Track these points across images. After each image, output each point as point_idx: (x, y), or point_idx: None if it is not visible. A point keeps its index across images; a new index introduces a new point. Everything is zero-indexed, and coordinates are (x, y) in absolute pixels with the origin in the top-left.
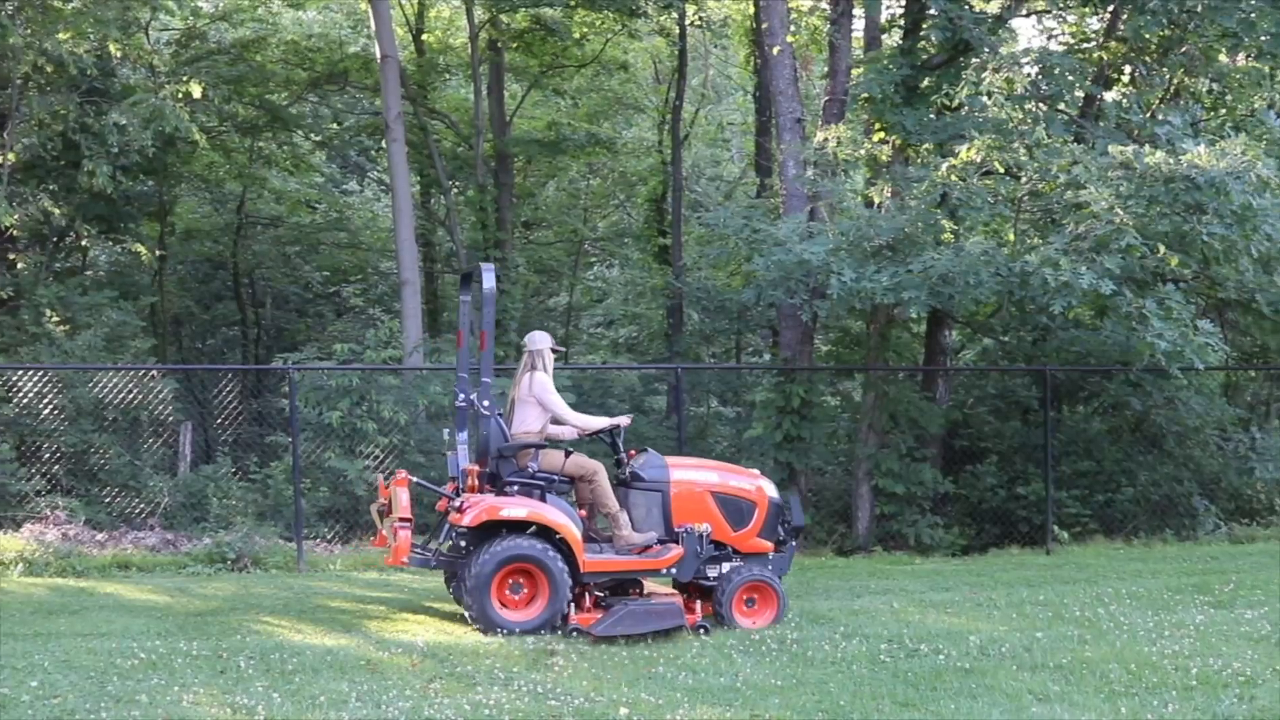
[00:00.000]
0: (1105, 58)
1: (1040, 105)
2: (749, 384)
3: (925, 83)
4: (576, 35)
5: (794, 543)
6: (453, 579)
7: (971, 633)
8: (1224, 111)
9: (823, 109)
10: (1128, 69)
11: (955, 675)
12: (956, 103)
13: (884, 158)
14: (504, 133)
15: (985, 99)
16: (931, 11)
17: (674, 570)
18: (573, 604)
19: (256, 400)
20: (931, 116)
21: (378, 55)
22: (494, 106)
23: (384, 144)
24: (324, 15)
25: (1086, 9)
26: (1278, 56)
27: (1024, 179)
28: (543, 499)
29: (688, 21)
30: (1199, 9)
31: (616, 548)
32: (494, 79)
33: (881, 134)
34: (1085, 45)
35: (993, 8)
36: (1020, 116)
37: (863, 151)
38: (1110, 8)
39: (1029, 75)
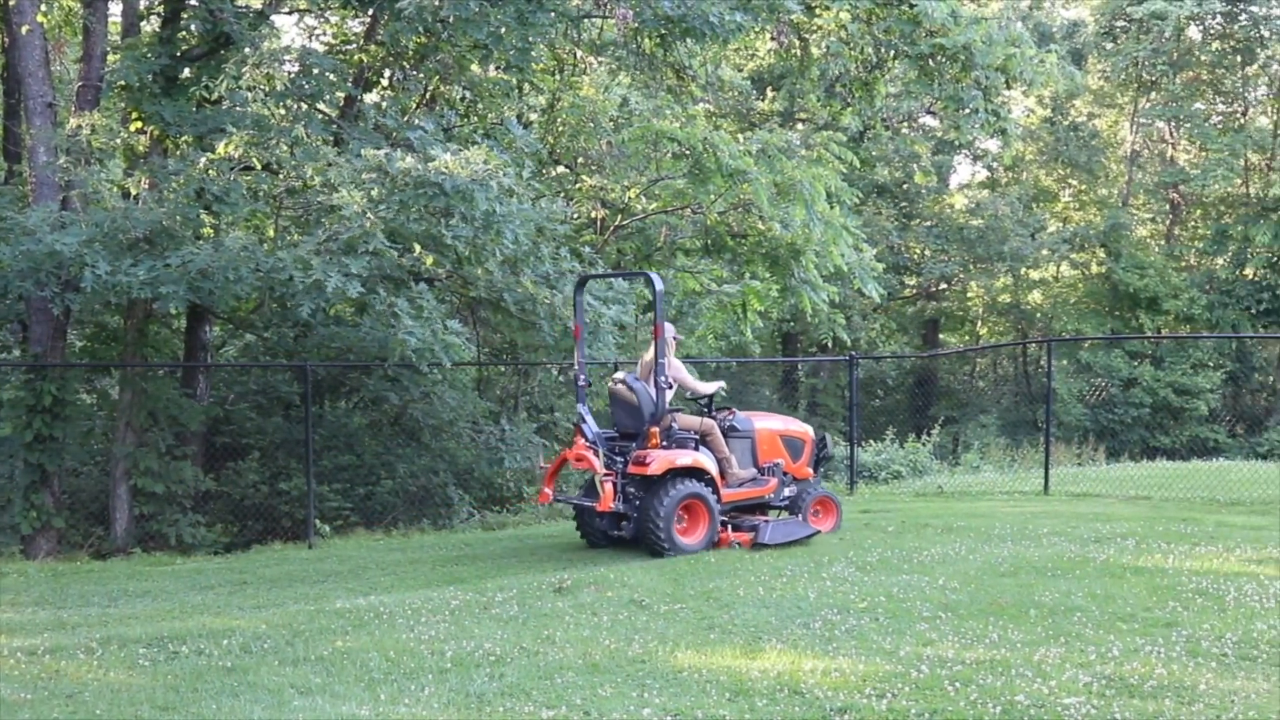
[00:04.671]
0: (365, 60)
1: (301, 104)
2: None
3: (185, 74)
4: None
5: (823, 468)
6: (606, 520)
7: (233, 631)
8: (476, 119)
9: (76, 95)
10: (387, 73)
11: (217, 675)
12: (216, 96)
13: (141, 148)
14: None
15: (247, 94)
16: (192, 2)
17: (773, 496)
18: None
19: None
20: (192, 109)
21: None
22: None
23: None
24: None
25: (347, 11)
26: (524, 70)
27: (282, 176)
28: (696, 450)
29: None
30: (451, 19)
31: (729, 484)
32: None
33: (139, 123)
34: (346, 47)
35: (255, 2)
36: (281, 114)
37: (119, 141)
38: (370, 11)
39: (290, 73)
